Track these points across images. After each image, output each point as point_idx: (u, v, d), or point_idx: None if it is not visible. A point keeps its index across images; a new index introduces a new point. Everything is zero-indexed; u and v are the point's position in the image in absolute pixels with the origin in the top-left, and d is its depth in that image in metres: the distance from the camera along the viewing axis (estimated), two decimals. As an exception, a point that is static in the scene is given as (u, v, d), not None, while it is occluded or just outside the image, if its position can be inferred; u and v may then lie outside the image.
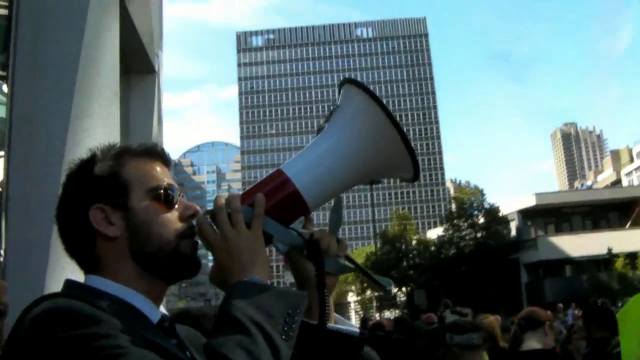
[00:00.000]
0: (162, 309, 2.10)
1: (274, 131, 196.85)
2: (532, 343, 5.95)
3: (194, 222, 2.04)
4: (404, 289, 75.49)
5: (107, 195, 1.98)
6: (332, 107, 2.23)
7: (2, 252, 5.97)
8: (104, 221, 1.97)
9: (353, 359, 2.22)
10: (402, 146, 2.05)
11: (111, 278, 1.96)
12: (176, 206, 2.06)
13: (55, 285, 5.46)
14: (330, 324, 2.11)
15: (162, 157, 2.15)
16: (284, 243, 2.09)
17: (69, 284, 1.98)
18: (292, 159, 2.19)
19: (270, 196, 2.02)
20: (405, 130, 2.03)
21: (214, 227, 1.98)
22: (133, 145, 2.14)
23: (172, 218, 2.03)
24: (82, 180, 2.02)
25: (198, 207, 2.11)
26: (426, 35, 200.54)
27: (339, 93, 2.24)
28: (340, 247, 2.17)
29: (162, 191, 2.03)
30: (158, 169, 2.10)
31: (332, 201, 2.27)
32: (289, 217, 2.08)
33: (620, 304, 19.00)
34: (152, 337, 1.79)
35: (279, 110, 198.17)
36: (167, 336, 1.97)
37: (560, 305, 23.10)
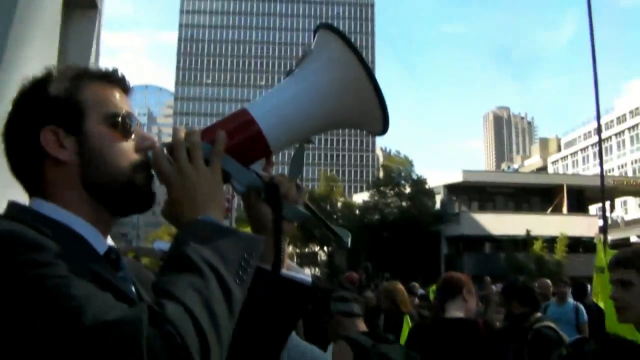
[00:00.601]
0: (110, 241, 2.01)
1: (209, 81, 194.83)
2: (453, 312, 6.01)
3: (150, 154, 1.94)
4: (325, 248, 75.86)
5: (61, 118, 1.87)
6: (304, 50, 2.14)
7: None
8: (56, 144, 1.86)
9: (303, 307, 2.20)
10: (375, 98, 1.99)
11: (58, 204, 1.87)
12: (133, 136, 1.97)
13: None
14: (284, 271, 2.05)
15: (122, 83, 2.04)
16: (242, 184, 2.03)
17: (13, 206, 1.86)
18: (258, 99, 2.12)
19: (232, 135, 1.95)
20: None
21: (171, 160, 1.89)
22: (93, 68, 2.04)
23: (128, 148, 1.94)
24: (35, 99, 1.89)
25: (155, 139, 2.02)
26: (372, 5, 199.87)
27: (314, 37, 2.16)
28: (299, 193, 2.13)
29: (119, 119, 1.94)
30: (117, 95, 2.00)
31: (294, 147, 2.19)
32: (250, 158, 2.02)
33: (535, 284, 19.37)
34: (96, 268, 1.73)
35: (217, 61, 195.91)
36: (113, 268, 1.89)
37: (488, 278, 23.39)
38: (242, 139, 1.98)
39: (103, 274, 1.73)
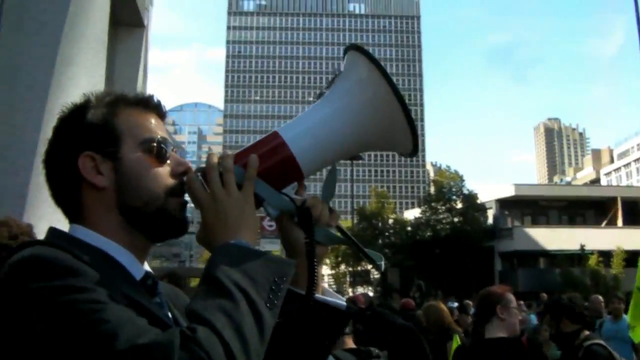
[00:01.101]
0: (147, 266, 2.01)
1: (258, 97, 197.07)
2: (493, 332, 5.90)
3: (185, 179, 1.96)
4: (378, 267, 75.96)
5: (98, 144, 1.91)
6: (335, 73, 2.12)
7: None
8: (93, 170, 1.89)
9: (338, 331, 2.20)
10: (404, 120, 1.97)
11: (95, 229, 1.89)
12: (168, 161, 1.99)
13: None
14: (318, 295, 2.04)
15: (157, 109, 2.07)
16: (274, 207, 2.00)
17: (53, 232, 1.90)
18: (290, 123, 2.10)
19: (264, 158, 1.94)
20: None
21: (205, 185, 1.89)
22: (129, 94, 2.05)
23: (163, 173, 1.97)
24: (74, 125, 1.94)
25: (190, 164, 2.05)
26: (418, 17, 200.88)
27: (344, 59, 2.14)
28: (332, 216, 2.10)
29: (155, 144, 1.95)
30: (153, 121, 2.03)
31: (327, 170, 2.18)
32: (282, 181, 2.00)
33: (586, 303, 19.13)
34: (132, 294, 1.74)
35: (264, 77, 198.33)
36: (149, 294, 1.91)
37: (544, 295, 23.26)
38: (274, 162, 1.98)
39: (138, 299, 1.75)
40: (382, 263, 2.23)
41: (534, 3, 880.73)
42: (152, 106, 2.05)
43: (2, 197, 5.66)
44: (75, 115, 1.95)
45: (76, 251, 1.67)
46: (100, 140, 1.92)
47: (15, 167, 5.66)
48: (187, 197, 2.00)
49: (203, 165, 1.94)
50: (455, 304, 24.00)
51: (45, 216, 5.37)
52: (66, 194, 1.94)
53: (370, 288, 69.69)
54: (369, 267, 78.97)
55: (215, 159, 1.90)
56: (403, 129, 1.99)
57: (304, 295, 1.94)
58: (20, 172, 5.62)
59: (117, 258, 1.87)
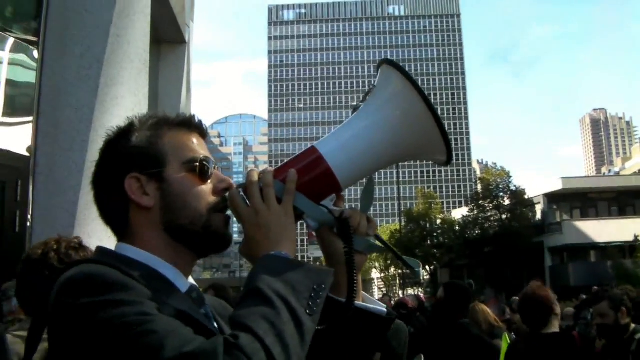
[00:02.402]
0: (191, 280, 2.11)
1: (302, 105, 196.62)
2: (551, 328, 6.02)
3: (227, 195, 2.04)
4: (427, 267, 75.44)
5: (144, 165, 1.99)
6: (369, 87, 2.21)
7: (30, 217, 6.01)
8: (139, 191, 1.99)
9: (379, 338, 2.23)
10: (437, 131, 2.03)
11: (142, 247, 1.98)
12: (210, 179, 2.07)
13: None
14: (358, 302, 2.12)
15: (199, 129, 2.15)
16: (314, 220, 2.08)
17: (101, 250, 2.02)
18: (326, 137, 2.17)
19: (302, 173, 2.02)
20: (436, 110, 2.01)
21: (246, 200, 1.97)
22: (171, 116, 2.15)
23: (206, 191, 2.04)
24: (120, 148, 2.03)
25: (232, 181, 2.11)
26: (458, 15, 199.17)
27: (377, 73, 2.22)
28: (370, 226, 2.17)
29: (197, 164, 2.04)
30: (195, 140, 2.11)
31: (364, 180, 2.26)
32: (321, 194, 2.08)
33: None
34: (179, 306, 1.81)
35: (307, 85, 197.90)
36: (195, 306, 1.99)
37: (596, 288, 23.02)
38: (312, 176, 2.05)
39: (185, 310, 1.82)
40: (420, 270, 2.29)
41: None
42: (193, 126, 2.13)
43: (53, 216, 5.77)
44: (121, 139, 2.05)
45: (123, 267, 1.77)
46: (146, 162, 2.00)
47: (64, 187, 5.77)
48: (229, 213, 2.08)
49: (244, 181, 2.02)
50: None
51: (95, 234, 5.47)
52: (114, 214, 2.04)
53: (420, 290, 69.26)
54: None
55: (255, 175, 1.99)
56: (437, 141, 2.06)
57: (344, 303, 2.02)
58: (68, 191, 5.72)
59: (163, 273, 1.96)
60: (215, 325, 2.04)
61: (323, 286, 1.78)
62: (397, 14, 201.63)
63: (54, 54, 6.19)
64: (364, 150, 2.10)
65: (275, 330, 1.59)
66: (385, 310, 2.19)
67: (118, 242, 2.04)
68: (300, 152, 2.12)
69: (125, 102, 6.09)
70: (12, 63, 7.06)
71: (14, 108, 6.98)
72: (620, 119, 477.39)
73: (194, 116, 2.17)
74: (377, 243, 2.21)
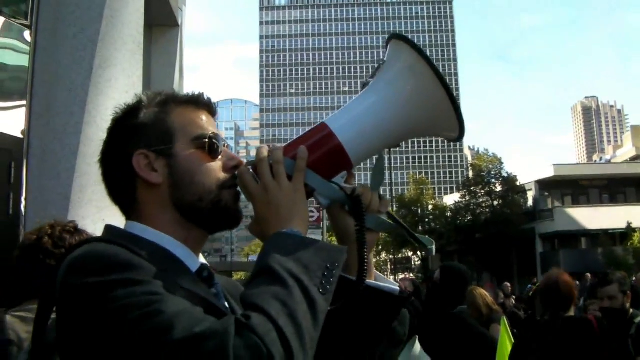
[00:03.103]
0: (202, 259, 2.07)
1: (293, 90, 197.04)
2: (570, 312, 6.15)
3: (237, 173, 2.01)
4: (419, 253, 75.65)
5: (152, 142, 1.98)
6: (378, 63, 2.17)
7: (23, 200, 5.98)
8: (147, 167, 1.96)
9: (392, 317, 2.22)
10: (449, 104, 1.99)
11: (151, 225, 1.96)
12: (220, 156, 2.04)
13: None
14: (370, 281, 2.08)
15: (208, 106, 2.13)
16: (325, 197, 2.06)
17: (109, 229, 1.99)
18: (336, 114, 2.13)
19: (313, 149, 1.98)
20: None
21: (256, 178, 1.95)
22: (179, 93, 2.13)
23: (216, 168, 2.01)
24: (128, 125, 2.02)
25: (241, 159, 2.08)
26: (450, 2, 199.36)
27: (386, 49, 2.18)
28: (381, 203, 2.14)
29: (207, 140, 2.01)
30: (204, 117, 2.08)
31: (374, 158, 2.22)
32: (332, 171, 2.04)
33: (634, 279, 18.98)
34: (189, 285, 1.80)
35: (299, 70, 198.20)
36: (205, 285, 1.96)
37: (589, 275, 23.20)
38: (323, 153, 2.01)
39: (195, 290, 1.81)
40: (433, 247, 2.27)
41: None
42: (202, 104, 2.10)
43: (46, 199, 5.74)
44: (129, 116, 2.03)
45: (132, 246, 1.74)
46: (154, 138, 1.98)
47: (57, 170, 5.73)
48: (239, 189, 2.04)
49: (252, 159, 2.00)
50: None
51: (89, 216, 5.44)
52: (122, 191, 2.02)
53: (411, 275, 69.49)
54: (410, 254, 78.94)
55: (265, 152, 1.96)
56: (449, 115, 2.02)
57: (355, 281, 1.98)
58: (62, 174, 5.69)
59: (172, 252, 1.93)
60: (226, 304, 2.03)
61: (336, 264, 1.74)
62: (388, 0, 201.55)
63: (47, 36, 6.14)
64: (375, 125, 2.06)
65: (288, 310, 1.55)
66: (397, 288, 2.16)
67: (127, 221, 2.02)
68: (310, 128, 2.07)
69: (119, 84, 6.05)
70: (1, 47, 7.00)
71: (4, 91, 6.93)
72: (612, 107, 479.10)
73: (202, 94, 2.14)
74: (389, 221, 2.17)
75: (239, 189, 2.03)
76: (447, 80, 1.96)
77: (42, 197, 5.76)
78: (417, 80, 2.03)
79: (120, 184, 2.01)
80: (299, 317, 1.56)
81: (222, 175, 2.01)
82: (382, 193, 2.17)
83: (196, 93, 2.13)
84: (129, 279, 1.60)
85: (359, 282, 1.97)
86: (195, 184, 1.96)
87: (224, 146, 2.07)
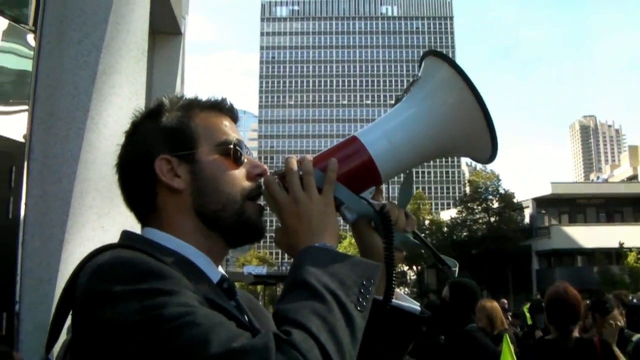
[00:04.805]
0: (221, 270, 1.99)
1: (292, 102, 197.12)
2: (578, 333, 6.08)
3: (261, 182, 1.95)
4: (414, 267, 75.66)
5: (174, 147, 1.91)
6: (413, 78, 2.13)
7: (23, 204, 5.95)
8: (170, 173, 1.89)
9: (412, 337, 2.16)
10: (484, 123, 1.94)
11: (171, 232, 1.89)
12: (243, 164, 1.98)
13: (73, 239, 5.44)
14: (394, 300, 2.01)
15: (231, 112, 2.07)
16: (353, 212, 1.97)
17: (128, 235, 1.90)
18: (368, 127, 2.07)
19: (343, 162, 1.92)
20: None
21: (283, 188, 1.88)
22: (202, 98, 2.05)
23: (240, 175, 1.95)
24: (149, 129, 1.95)
25: (266, 167, 2.01)
26: (451, 18, 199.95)
27: (421, 64, 2.14)
28: (408, 222, 2.08)
29: (231, 146, 1.94)
30: (227, 123, 2.02)
31: (401, 176, 2.16)
32: (360, 185, 1.98)
33: (631, 298, 19.02)
34: (213, 296, 1.70)
35: (299, 82, 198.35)
36: (227, 297, 1.87)
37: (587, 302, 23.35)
38: (353, 166, 1.94)
39: (220, 302, 1.70)
40: (457, 269, 2.21)
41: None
42: (225, 109, 2.04)
43: (46, 204, 5.72)
44: (150, 119, 1.96)
45: (157, 254, 1.66)
46: (177, 143, 1.91)
47: (58, 175, 5.71)
48: (262, 201, 1.99)
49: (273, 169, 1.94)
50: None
51: (89, 222, 5.43)
52: (142, 197, 1.94)
53: (406, 289, 69.50)
54: (405, 268, 78.87)
55: (294, 162, 1.90)
56: (483, 136, 1.98)
57: (381, 301, 1.92)
58: (63, 179, 5.67)
59: (193, 261, 1.84)
60: (246, 318, 1.93)
61: (372, 280, 1.68)
62: (390, 14, 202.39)
63: (51, 41, 6.13)
64: (407, 140, 2.01)
65: (328, 326, 1.49)
66: (419, 308, 2.10)
67: (144, 227, 1.94)
68: (340, 141, 2.02)
69: (122, 90, 6.04)
70: (4, 50, 6.98)
71: (7, 95, 6.91)
72: (610, 126, 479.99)
73: (225, 99, 2.07)
74: (415, 240, 2.11)
75: (261, 201, 1.99)
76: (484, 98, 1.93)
77: (42, 202, 5.74)
78: (452, 96, 1.99)
79: (140, 189, 1.93)
80: (340, 334, 1.50)
81: (247, 184, 1.95)
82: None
83: (219, 98, 2.06)
84: (160, 288, 1.52)
85: (386, 301, 1.93)
86: (219, 191, 1.90)
87: (247, 153, 2.00)
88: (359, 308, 1.59)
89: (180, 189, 1.90)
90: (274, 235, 1.97)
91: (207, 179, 1.91)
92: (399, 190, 2.16)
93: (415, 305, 2.10)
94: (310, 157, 1.93)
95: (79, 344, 1.62)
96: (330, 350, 1.45)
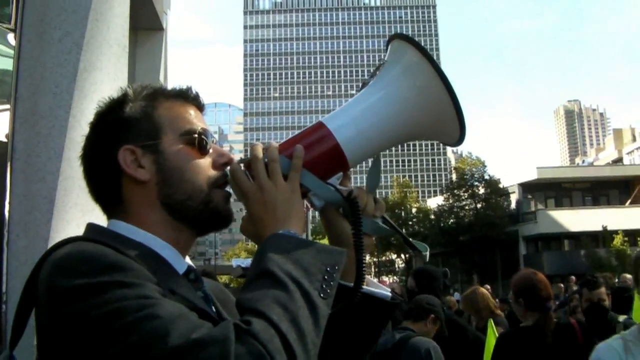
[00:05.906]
0: (188, 260, 1.99)
1: (277, 94, 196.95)
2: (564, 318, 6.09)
3: (227, 170, 1.95)
4: (402, 255, 75.72)
5: (138, 137, 1.89)
6: (379, 62, 2.12)
7: (7, 204, 5.95)
8: (134, 163, 1.88)
9: (384, 323, 2.16)
10: (451, 106, 1.93)
11: (137, 224, 1.87)
12: (209, 153, 1.97)
13: (59, 237, 5.43)
14: (364, 287, 1.99)
15: (196, 100, 2.06)
16: (320, 198, 1.99)
17: (93, 227, 1.89)
18: (334, 113, 2.07)
19: (309, 148, 1.92)
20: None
21: (249, 176, 1.87)
22: (167, 87, 2.05)
23: (205, 164, 1.94)
24: (112, 120, 1.93)
25: (232, 155, 2.01)
26: (434, 6, 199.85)
27: (386, 49, 2.12)
28: (377, 207, 2.09)
29: (196, 135, 1.94)
30: (192, 112, 2.01)
31: (369, 161, 2.16)
32: (327, 172, 1.97)
33: (617, 280, 19.16)
34: (177, 288, 1.73)
35: (283, 74, 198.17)
36: (193, 288, 1.88)
37: (573, 277, 23.26)
38: (319, 153, 1.95)
39: (184, 293, 1.72)
40: (427, 253, 2.19)
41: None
42: (191, 98, 2.04)
43: (31, 202, 5.71)
44: (114, 110, 1.94)
45: (120, 246, 1.64)
46: (140, 133, 1.90)
47: (42, 173, 5.70)
48: (229, 189, 1.98)
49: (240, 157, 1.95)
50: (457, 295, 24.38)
51: (74, 220, 5.43)
52: (106, 189, 1.92)
53: (395, 277, 69.58)
54: (394, 256, 78.98)
55: (260, 150, 1.88)
56: (451, 119, 1.97)
57: (352, 287, 1.91)
58: (47, 177, 5.66)
59: (159, 252, 1.84)
60: (213, 308, 1.95)
61: (336, 267, 1.68)
62: (372, 4, 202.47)
63: (32, 41, 6.11)
64: (374, 126, 1.99)
65: (290, 315, 1.49)
66: (390, 294, 2.10)
67: (110, 219, 1.93)
68: (307, 127, 2.01)
69: (104, 87, 6.01)
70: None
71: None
72: (594, 110, 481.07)
73: (190, 87, 2.07)
74: (384, 225, 2.12)
75: (228, 188, 1.97)
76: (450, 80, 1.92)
77: (27, 201, 5.72)
78: (419, 79, 1.97)
79: (104, 181, 1.92)
80: (302, 322, 1.50)
81: (213, 173, 1.94)
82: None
83: (184, 87, 2.06)
84: (120, 281, 1.51)
85: (357, 288, 1.91)
86: (185, 181, 1.89)
87: (213, 142, 2.00)
88: (322, 295, 1.60)
89: (144, 180, 1.88)
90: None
91: (172, 169, 1.89)
92: (367, 175, 2.14)
93: (386, 292, 2.10)
94: (276, 144, 1.92)
95: (44, 341, 1.62)
96: (291, 339, 1.45)
